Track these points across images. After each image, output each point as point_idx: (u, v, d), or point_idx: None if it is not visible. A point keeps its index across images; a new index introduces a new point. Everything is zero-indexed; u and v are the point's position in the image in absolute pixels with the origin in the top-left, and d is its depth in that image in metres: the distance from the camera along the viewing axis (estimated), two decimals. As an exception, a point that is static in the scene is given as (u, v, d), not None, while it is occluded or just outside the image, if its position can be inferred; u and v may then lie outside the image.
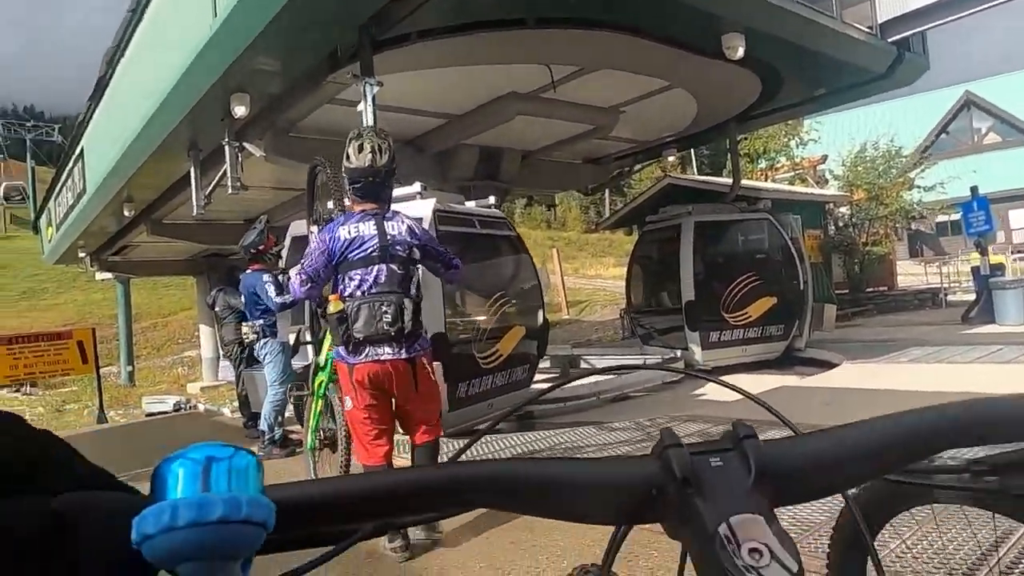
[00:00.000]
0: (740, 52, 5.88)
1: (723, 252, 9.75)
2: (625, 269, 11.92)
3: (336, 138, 7.98)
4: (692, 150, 21.30)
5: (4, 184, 18.28)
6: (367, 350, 2.92)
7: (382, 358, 2.92)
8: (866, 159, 15.24)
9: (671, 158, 10.63)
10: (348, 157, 2.95)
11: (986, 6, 6.78)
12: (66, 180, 12.65)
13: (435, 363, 3.26)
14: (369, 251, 2.95)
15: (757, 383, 7.81)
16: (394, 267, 2.96)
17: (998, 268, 11.07)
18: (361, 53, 5.26)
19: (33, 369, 7.66)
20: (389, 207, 3.09)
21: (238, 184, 6.73)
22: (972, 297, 11.38)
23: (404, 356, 2.94)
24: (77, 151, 11.21)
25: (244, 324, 6.09)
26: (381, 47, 5.68)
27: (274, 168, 8.37)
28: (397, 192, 5.65)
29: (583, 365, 9.54)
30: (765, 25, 5.87)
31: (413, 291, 3.01)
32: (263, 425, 5.81)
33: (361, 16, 5.08)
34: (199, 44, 5.58)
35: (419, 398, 3.07)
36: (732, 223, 9.68)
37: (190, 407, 9.85)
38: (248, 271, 5.91)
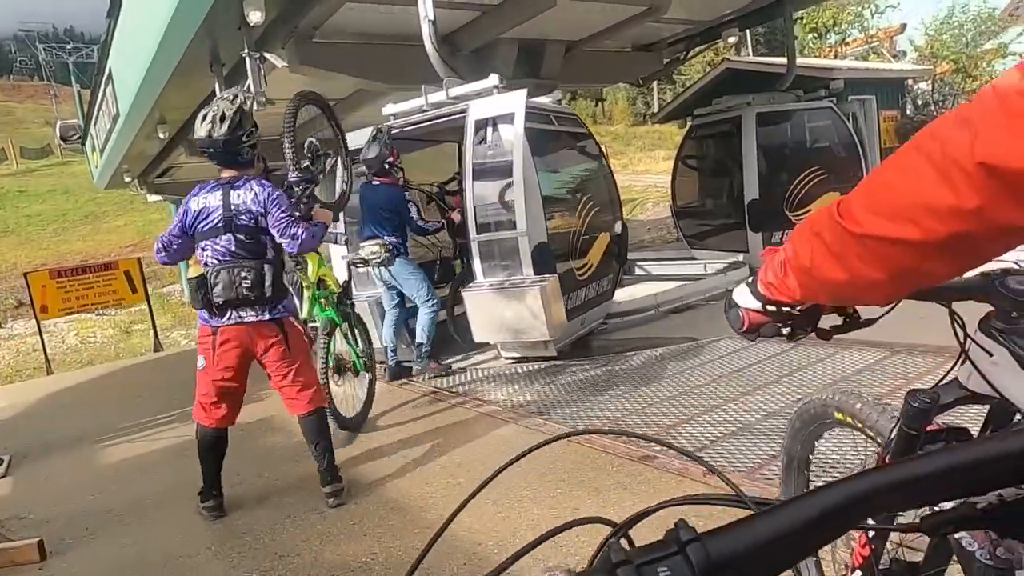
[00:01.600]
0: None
1: (785, 145, 9.02)
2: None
3: (364, 41, 7.42)
4: (747, 30, 19.45)
5: (60, 123, 18.34)
6: (229, 313, 3.07)
7: (246, 320, 3.09)
8: (953, 25, 13.54)
9: (732, 39, 9.56)
10: (195, 127, 3.11)
11: None
12: (101, 104, 12.42)
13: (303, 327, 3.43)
14: (215, 222, 3.07)
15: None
16: (241, 236, 3.06)
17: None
18: None
19: (85, 300, 7.72)
20: (245, 175, 3.16)
21: (263, 99, 6.28)
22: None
23: (267, 318, 3.10)
24: (106, 72, 10.88)
25: (371, 242, 5.27)
26: None
27: (300, 80, 7.85)
28: (468, 88, 5.27)
29: (638, 272, 9.08)
30: None
31: (270, 255, 3.12)
32: (420, 338, 5.42)
33: None
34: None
35: (293, 359, 3.19)
36: (793, 113, 8.86)
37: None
38: (375, 183, 5.44)
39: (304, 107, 4.21)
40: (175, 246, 3.17)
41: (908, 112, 13.00)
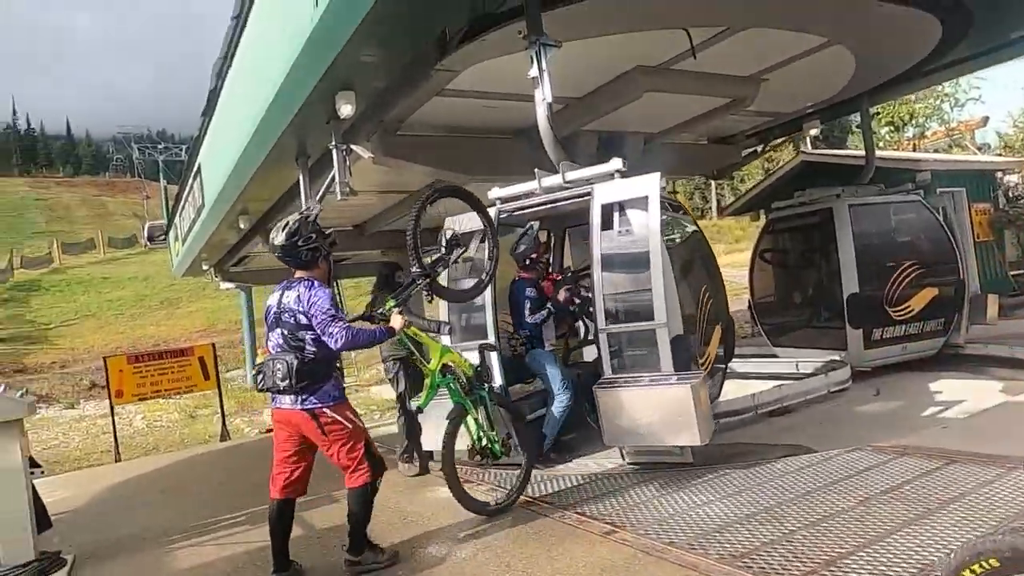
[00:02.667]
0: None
1: (878, 238, 8.64)
2: (745, 257, 10.74)
3: (447, 134, 7.51)
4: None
5: (148, 224, 19.92)
6: (276, 398, 3.53)
7: (282, 407, 3.53)
8: (1042, 117, 13.03)
9: (813, 131, 9.35)
10: None
11: None
12: (187, 196, 13.02)
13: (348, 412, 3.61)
14: (271, 318, 3.58)
15: (949, 390, 6.57)
16: (286, 332, 3.50)
17: None
18: (528, 6, 4.62)
19: (159, 387, 7.71)
20: (306, 276, 3.59)
21: (347, 189, 6.31)
22: None
23: (300, 407, 3.47)
24: (195, 167, 11.43)
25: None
26: (496, 23, 5.03)
27: (380, 171, 7.96)
28: (587, 172, 5.05)
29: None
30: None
31: (309, 351, 3.45)
32: (547, 430, 5.37)
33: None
34: (301, 40, 5.14)
35: (330, 443, 3.54)
36: (884, 206, 8.58)
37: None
38: (518, 278, 5.75)
39: (434, 201, 4.42)
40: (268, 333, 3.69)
41: (1001, 205, 12.34)
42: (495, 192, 5.25)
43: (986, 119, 14.95)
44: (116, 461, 8.53)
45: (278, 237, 3.57)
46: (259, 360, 3.66)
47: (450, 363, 4.32)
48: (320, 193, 7.12)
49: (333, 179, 6.45)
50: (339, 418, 3.54)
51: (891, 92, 9.17)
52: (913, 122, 14.66)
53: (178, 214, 15.15)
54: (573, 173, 4.89)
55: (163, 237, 17.62)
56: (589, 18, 5.01)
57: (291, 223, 3.59)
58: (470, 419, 4.35)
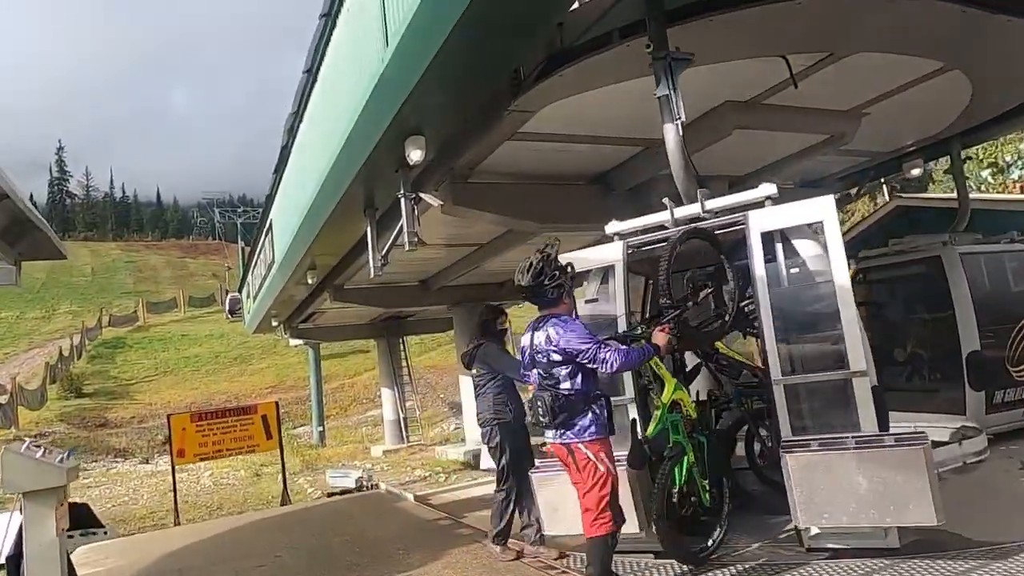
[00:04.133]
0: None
1: (993, 291, 7.75)
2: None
3: (518, 181, 7.19)
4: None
5: (229, 297, 20.86)
6: (547, 432, 3.63)
7: (551, 440, 3.63)
8: None
9: (915, 172, 8.58)
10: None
11: None
12: (259, 253, 13.21)
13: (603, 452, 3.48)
14: (527, 358, 3.68)
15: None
16: (541, 371, 3.59)
17: None
18: (651, 23, 4.24)
19: (221, 446, 7.48)
20: (552, 313, 3.60)
21: (415, 239, 6.00)
22: None
23: (559, 441, 3.56)
24: (267, 224, 11.57)
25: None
26: (561, 63, 4.69)
27: (448, 222, 7.70)
28: (730, 200, 4.28)
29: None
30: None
31: (563, 386, 3.50)
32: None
33: (551, 17, 4.10)
34: (370, 84, 4.96)
35: (581, 481, 3.53)
36: (994, 255, 7.73)
37: (371, 485, 9.28)
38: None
39: (686, 242, 4.15)
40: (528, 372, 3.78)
41: None
42: (613, 226, 4.69)
43: (1103, 158, 13.70)
44: (175, 524, 8.28)
45: (524, 279, 3.60)
46: (528, 396, 3.87)
47: (679, 400, 4.21)
48: (388, 245, 6.87)
49: (401, 230, 6.17)
50: (591, 457, 3.51)
51: (993, 130, 8.42)
52: (1019, 163, 13.54)
53: (251, 271, 15.43)
54: (714, 201, 4.29)
55: (242, 309, 18.20)
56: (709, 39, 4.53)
57: (534, 263, 3.59)
58: (685, 461, 4.12)
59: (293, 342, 19.19)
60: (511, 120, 5.35)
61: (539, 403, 3.53)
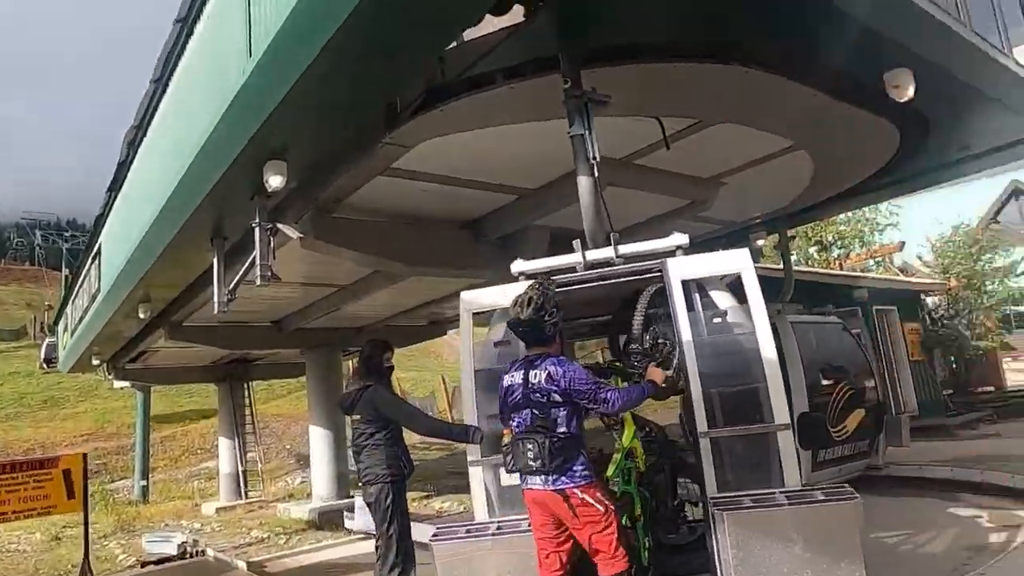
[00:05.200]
0: (910, 91, 4.62)
1: (813, 358, 8.53)
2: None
3: (389, 220, 6.81)
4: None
5: (46, 342, 18.20)
6: (526, 478, 3.41)
7: (533, 487, 3.40)
8: (955, 244, 13.78)
9: (760, 243, 9.28)
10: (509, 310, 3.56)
11: None
12: (83, 282, 11.66)
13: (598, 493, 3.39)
14: (517, 398, 3.43)
15: (920, 514, 6.02)
16: (536, 412, 3.37)
17: None
18: (565, 60, 4.06)
19: (5, 508, 6.14)
20: (546, 352, 3.45)
21: (268, 275, 5.44)
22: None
23: (551, 488, 3.34)
24: (95, 248, 10.24)
25: None
26: (441, 97, 4.51)
27: (308, 259, 7.17)
28: (645, 246, 4.15)
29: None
30: (940, 55, 4.61)
31: (559, 430, 3.34)
32: None
33: (438, 47, 3.91)
34: (228, 97, 4.46)
35: (582, 526, 3.36)
36: (811, 326, 8.64)
37: (197, 551, 8.15)
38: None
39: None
40: (502, 416, 3.58)
41: (928, 325, 12.66)
42: (518, 265, 4.39)
43: (902, 244, 15.81)
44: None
45: (524, 312, 3.41)
46: (504, 440, 3.51)
47: (633, 448, 4.05)
48: (236, 278, 6.20)
49: (253, 263, 5.58)
50: (590, 500, 3.37)
51: (817, 212, 9.40)
52: (839, 243, 15.30)
53: (71, 301, 13.58)
54: (627, 247, 4.14)
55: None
56: (485, 109, 4.52)
57: (534, 298, 3.41)
58: (626, 517, 3.89)
59: (118, 384, 17.08)
60: (384, 153, 5.06)
61: (528, 446, 3.32)
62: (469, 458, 4.00)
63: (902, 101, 4.71)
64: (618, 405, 3.41)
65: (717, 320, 4.03)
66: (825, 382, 8.05)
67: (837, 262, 14.86)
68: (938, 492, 7.24)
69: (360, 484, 4.62)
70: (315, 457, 12.37)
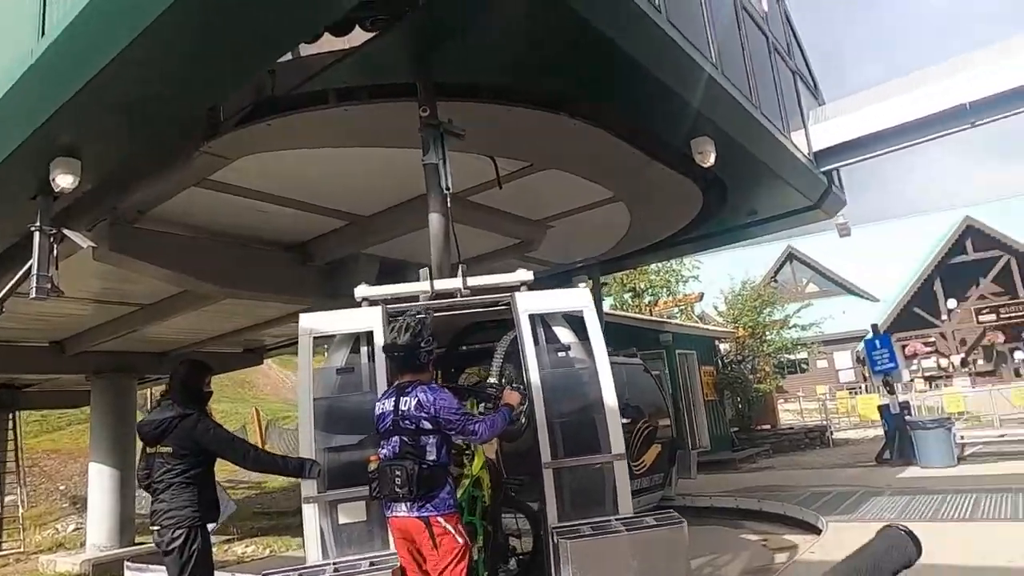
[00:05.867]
0: (712, 159, 5.20)
1: (620, 397, 9.21)
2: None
3: (204, 236, 6.25)
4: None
5: None
6: (391, 505, 3.38)
7: (398, 514, 3.38)
8: (743, 298, 15.62)
9: (581, 285, 9.81)
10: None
11: (913, 143, 6.81)
12: None
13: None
14: (388, 424, 3.41)
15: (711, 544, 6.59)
16: (405, 439, 3.37)
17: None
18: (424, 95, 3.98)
19: None
20: (417, 380, 3.44)
21: (48, 286, 4.72)
22: (853, 435, 11.28)
23: (415, 515, 3.33)
24: None
25: None
26: (269, 111, 4.30)
27: (101, 274, 6.40)
28: (495, 279, 4.20)
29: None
30: (737, 130, 5.26)
31: (429, 457, 3.33)
32: None
33: (267, 58, 3.71)
34: (11, 79, 3.87)
35: (439, 558, 3.33)
36: (618, 366, 9.35)
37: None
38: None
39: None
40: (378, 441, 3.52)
41: (720, 368, 14.13)
42: (362, 291, 4.15)
43: (701, 295, 17.64)
44: None
45: (401, 337, 3.41)
46: (371, 467, 3.44)
47: (481, 478, 4.02)
48: (6, 289, 5.33)
49: (29, 272, 4.82)
50: (451, 530, 3.38)
51: (626, 262, 10.23)
52: (650, 290, 16.74)
53: None
54: (476, 279, 4.16)
55: None
56: (317, 129, 4.48)
57: (411, 324, 3.42)
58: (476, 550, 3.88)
59: None
60: (202, 164, 4.66)
61: (396, 472, 3.31)
62: (304, 494, 3.70)
63: (705, 166, 5.28)
64: (487, 436, 3.46)
65: (561, 354, 4.18)
66: (624, 420, 8.65)
67: (648, 308, 16.22)
68: (726, 520, 7.98)
69: (154, 528, 4.01)
70: (94, 499, 10.82)
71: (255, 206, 5.79)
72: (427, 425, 3.36)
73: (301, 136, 4.58)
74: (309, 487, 3.71)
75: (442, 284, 4.18)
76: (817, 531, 6.45)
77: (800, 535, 6.74)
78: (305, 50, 4.11)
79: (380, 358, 3.90)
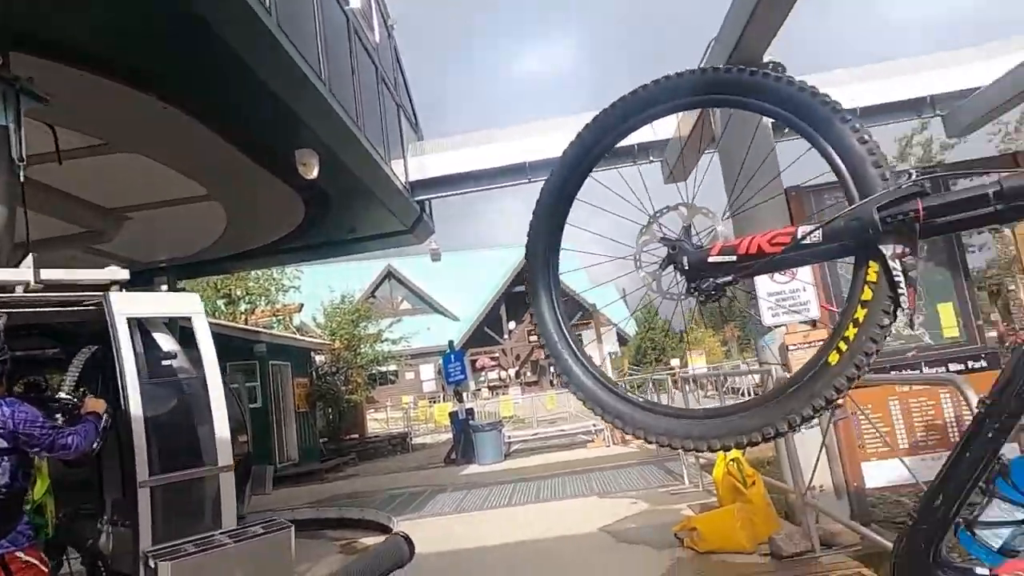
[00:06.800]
0: (315, 172, 5.28)
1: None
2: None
3: None
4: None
5: None
6: None
7: None
8: (342, 311, 16.05)
9: (163, 287, 8.81)
10: None
11: (490, 187, 8.04)
12: None
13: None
14: None
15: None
16: None
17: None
18: None
19: None
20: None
21: None
22: (430, 440, 12.64)
23: None
24: None
25: None
26: None
27: None
28: (82, 275, 3.60)
29: None
30: (341, 148, 5.46)
31: (2, 482, 2.88)
32: None
33: None
34: None
35: None
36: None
37: None
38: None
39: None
40: None
41: (315, 380, 14.19)
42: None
43: (301, 306, 17.46)
44: None
45: None
46: None
47: (44, 504, 3.51)
48: None
49: None
50: (35, 561, 2.93)
51: (243, 263, 9.73)
52: (247, 298, 15.81)
53: None
54: (52, 273, 3.38)
55: None
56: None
57: None
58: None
59: None
60: None
61: None
62: None
63: (308, 178, 5.32)
64: (83, 448, 3.03)
65: (166, 363, 3.88)
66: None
67: (243, 316, 15.34)
68: (308, 531, 7.99)
69: None
70: None
71: None
72: (3, 444, 2.91)
73: None
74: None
75: (7, 274, 3.47)
76: (390, 531, 6.97)
77: (376, 536, 7.18)
78: None
79: None
